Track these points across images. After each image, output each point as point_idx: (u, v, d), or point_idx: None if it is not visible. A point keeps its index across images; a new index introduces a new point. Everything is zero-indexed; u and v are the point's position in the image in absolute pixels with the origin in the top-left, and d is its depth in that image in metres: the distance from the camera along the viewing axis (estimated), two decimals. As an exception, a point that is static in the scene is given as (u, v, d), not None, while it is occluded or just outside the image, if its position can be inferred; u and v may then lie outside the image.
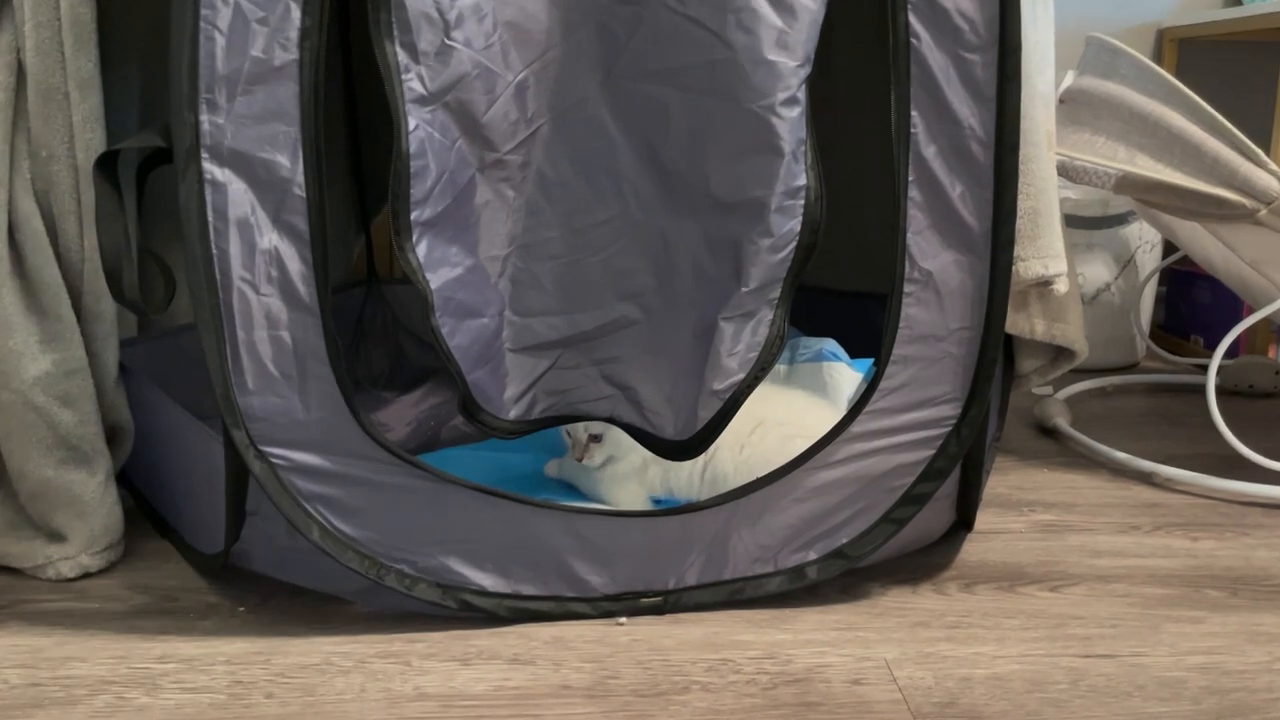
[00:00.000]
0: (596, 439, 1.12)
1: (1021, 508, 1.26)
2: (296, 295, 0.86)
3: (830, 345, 1.29)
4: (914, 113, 0.90)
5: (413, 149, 0.85)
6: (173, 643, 0.93)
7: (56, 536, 1.04)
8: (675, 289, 0.94)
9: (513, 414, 0.97)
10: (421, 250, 0.88)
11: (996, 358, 0.97)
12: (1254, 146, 1.23)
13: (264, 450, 0.88)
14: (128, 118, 1.16)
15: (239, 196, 0.83)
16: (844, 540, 1.00)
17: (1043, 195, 1.08)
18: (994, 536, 1.17)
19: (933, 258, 0.93)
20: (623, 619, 0.97)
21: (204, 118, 0.81)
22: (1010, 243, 0.94)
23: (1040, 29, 1.07)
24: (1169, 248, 1.93)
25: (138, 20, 1.11)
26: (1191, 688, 0.87)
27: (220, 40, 0.80)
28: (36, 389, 0.99)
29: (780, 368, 1.30)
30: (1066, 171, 1.29)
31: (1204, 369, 1.33)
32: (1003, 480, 1.34)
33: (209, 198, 0.83)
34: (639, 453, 1.11)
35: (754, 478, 0.97)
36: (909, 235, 0.92)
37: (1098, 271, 1.92)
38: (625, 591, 0.97)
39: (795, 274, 0.91)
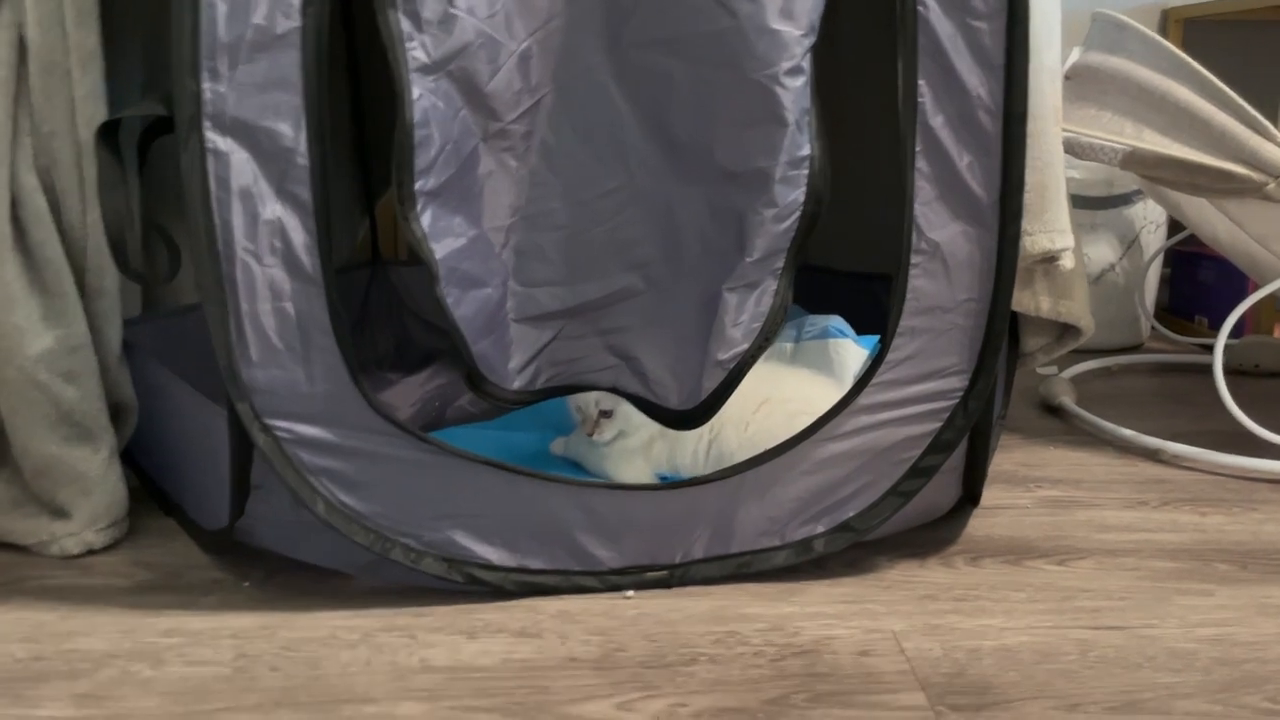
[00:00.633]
0: (607, 414, 1.11)
1: (1028, 484, 1.26)
2: (300, 266, 0.85)
3: (836, 322, 1.28)
4: (921, 81, 0.89)
5: (417, 118, 0.84)
6: (178, 617, 0.92)
7: (61, 513, 1.03)
8: (680, 259, 0.93)
9: (517, 384, 0.96)
10: (426, 220, 0.87)
11: (1003, 330, 0.96)
12: (1262, 119, 1.22)
13: (268, 423, 0.88)
14: (130, 93, 1.14)
15: (241, 166, 0.82)
16: (851, 513, 0.99)
17: (1049, 170, 1.07)
18: (1000, 512, 1.17)
19: (940, 229, 0.93)
20: (630, 592, 0.97)
21: (206, 86, 0.80)
22: (1018, 214, 0.93)
23: (1047, 1, 1.06)
24: (1174, 228, 1.92)
25: (140, -5, 1.11)
26: (1202, 659, 0.87)
27: (222, 7, 0.79)
28: (39, 365, 0.99)
29: (786, 345, 1.30)
30: (1073, 148, 1.28)
31: (1209, 349, 1.32)
32: (1008, 457, 1.34)
33: (211, 167, 0.82)
34: (647, 429, 1.11)
35: (760, 454, 0.97)
36: (916, 206, 0.92)
37: (1102, 252, 1.91)
38: (632, 565, 0.97)
39: (799, 244, 0.90)
